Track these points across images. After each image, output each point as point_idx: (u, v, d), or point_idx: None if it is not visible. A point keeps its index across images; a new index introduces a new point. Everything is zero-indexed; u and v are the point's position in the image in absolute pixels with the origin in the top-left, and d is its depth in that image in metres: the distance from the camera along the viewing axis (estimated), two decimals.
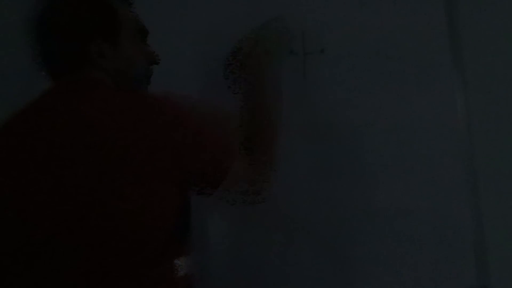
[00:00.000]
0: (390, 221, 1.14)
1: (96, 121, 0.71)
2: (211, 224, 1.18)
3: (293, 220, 1.16)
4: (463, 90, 1.17)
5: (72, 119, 0.72)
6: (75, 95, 0.76)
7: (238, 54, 0.98)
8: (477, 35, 1.18)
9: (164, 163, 0.71)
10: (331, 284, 1.14)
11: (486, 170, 1.14)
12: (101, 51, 0.79)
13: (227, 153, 0.79)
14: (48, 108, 0.76)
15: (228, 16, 1.19)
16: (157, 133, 0.72)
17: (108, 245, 0.68)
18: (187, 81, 1.15)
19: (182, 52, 1.18)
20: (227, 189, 0.78)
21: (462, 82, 1.17)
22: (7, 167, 0.72)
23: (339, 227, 1.15)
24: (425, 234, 1.13)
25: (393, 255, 1.13)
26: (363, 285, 1.14)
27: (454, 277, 1.12)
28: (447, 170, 1.14)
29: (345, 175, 1.16)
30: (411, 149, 1.15)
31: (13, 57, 1.15)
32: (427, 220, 1.13)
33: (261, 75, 0.94)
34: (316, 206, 1.15)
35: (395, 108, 1.16)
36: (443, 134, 1.15)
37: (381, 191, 1.15)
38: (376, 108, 1.16)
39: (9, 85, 1.19)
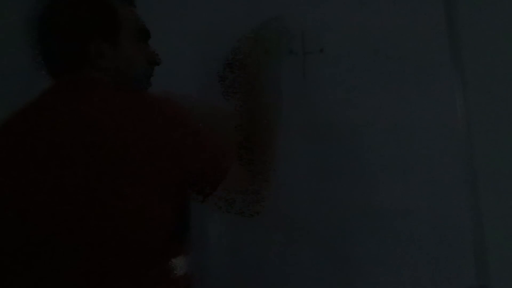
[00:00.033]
0: (390, 221, 1.14)
1: (96, 121, 0.71)
2: (211, 224, 1.18)
3: (293, 220, 1.16)
4: (462, 90, 1.17)
5: (71, 119, 0.72)
6: (75, 95, 0.76)
7: (238, 54, 0.98)
8: (476, 35, 1.18)
9: (164, 163, 0.71)
10: (331, 284, 1.14)
11: (486, 170, 1.14)
12: (101, 51, 0.79)
13: (226, 153, 0.79)
14: (48, 108, 0.76)
15: (228, 16, 1.19)
16: (157, 133, 0.72)
17: (108, 245, 0.68)
18: (187, 81, 1.16)
19: (182, 52, 1.18)
20: (226, 189, 0.78)
21: (461, 82, 1.17)
22: (7, 167, 0.72)
23: (339, 227, 1.15)
24: (425, 234, 1.13)
25: (393, 255, 1.13)
26: (363, 285, 1.14)
27: (454, 277, 1.12)
28: (447, 170, 1.14)
29: (345, 175, 1.16)
30: (411, 149, 1.15)
31: (13, 57, 1.15)
32: (427, 220, 1.13)
33: (261, 75, 0.94)
34: (316, 206, 1.15)
35: (394, 108, 1.16)
36: (443, 134, 1.15)
37: (381, 191, 1.15)
38: (375, 108, 1.17)
39: (9, 85, 1.19)
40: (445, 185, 1.14)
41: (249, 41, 0.99)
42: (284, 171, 1.10)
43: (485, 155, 1.15)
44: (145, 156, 0.69)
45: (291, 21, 1.05)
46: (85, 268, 0.68)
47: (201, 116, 0.80)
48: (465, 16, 1.18)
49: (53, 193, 0.68)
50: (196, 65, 1.19)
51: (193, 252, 0.80)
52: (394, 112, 1.16)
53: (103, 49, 0.79)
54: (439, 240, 1.12)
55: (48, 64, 0.81)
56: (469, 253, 1.12)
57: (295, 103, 1.16)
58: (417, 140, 1.15)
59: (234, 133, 0.86)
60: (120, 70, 0.82)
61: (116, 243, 0.68)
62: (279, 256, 1.15)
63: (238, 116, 0.90)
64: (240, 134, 0.86)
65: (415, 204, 1.14)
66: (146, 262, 0.70)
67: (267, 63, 0.96)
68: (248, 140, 0.85)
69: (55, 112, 0.74)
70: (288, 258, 1.15)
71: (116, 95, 0.77)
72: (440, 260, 1.12)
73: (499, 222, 1.13)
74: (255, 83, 0.94)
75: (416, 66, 1.17)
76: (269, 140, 0.88)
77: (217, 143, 0.78)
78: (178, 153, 0.72)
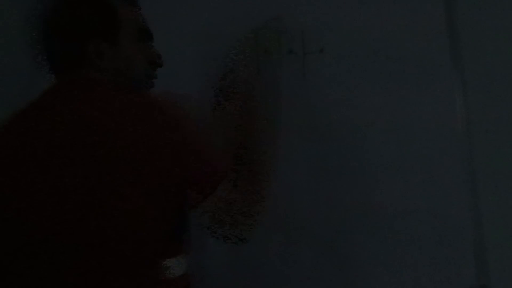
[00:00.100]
0: (390, 221, 1.14)
1: (95, 121, 0.71)
2: None
3: (293, 220, 1.16)
4: (462, 90, 1.17)
5: (71, 119, 0.72)
6: (75, 95, 0.76)
7: (229, 76, 0.98)
8: (476, 35, 1.18)
9: (164, 163, 0.71)
10: (331, 284, 1.14)
11: (486, 170, 1.14)
12: (100, 51, 0.79)
13: (225, 153, 0.79)
14: (48, 108, 0.76)
15: (228, 16, 1.19)
16: (157, 133, 0.72)
17: (107, 245, 0.68)
18: (187, 81, 1.15)
19: (182, 52, 1.18)
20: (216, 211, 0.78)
21: (461, 82, 1.17)
22: (7, 167, 0.72)
23: (339, 227, 1.15)
24: (425, 234, 1.13)
25: (393, 255, 1.13)
26: (363, 285, 1.14)
27: (454, 277, 1.12)
28: (447, 170, 1.14)
29: (345, 175, 1.16)
30: (411, 149, 1.15)
31: (13, 57, 1.15)
32: (427, 220, 1.13)
33: (250, 97, 0.94)
34: (316, 206, 1.15)
35: (394, 108, 1.16)
36: (443, 134, 1.15)
37: (381, 191, 1.15)
38: (375, 108, 1.17)
39: (9, 85, 1.19)
40: (445, 185, 1.14)
41: (249, 41, 0.99)
42: (284, 171, 1.10)
43: (485, 155, 1.15)
44: (144, 156, 0.69)
45: (291, 21, 1.05)
46: (84, 268, 0.68)
47: (200, 116, 0.80)
48: (465, 16, 1.18)
49: (53, 193, 0.68)
50: (196, 65, 1.18)
51: (193, 252, 0.80)
52: (394, 112, 1.16)
53: (103, 49, 0.79)
54: (439, 240, 1.13)
55: (49, 63, 0.81)
56: (469, 253, 1.12)
57: (295, 103, 1.16)
58: (417, 140, 1.15)
59: (234, 133, 0.86)
60: (120, 70, 0.82)
61: (116, 243, 0.68)
62: (279, 256, 1.15)
63: (238, 117, 0.90)
64: (240, 134, 0.86)
65: (415, 204, 1.14)
66: (146, 262, 0.70)
67: (267, 63, 0.96)
68: (248, 140, 0.85)
69: (55, 112, 0.74)
70: (288, 258, 1.14)
71: (115, 95, 0.77)
72: (440, 260, 1.12)
73: (499, 222, 1.13)
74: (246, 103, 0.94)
75: (416, 66, 1.17)
76: (268, 140, 0.88)
77: (216, 143, 0.79)
78: (178, 152, 0.72)
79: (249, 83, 0.95)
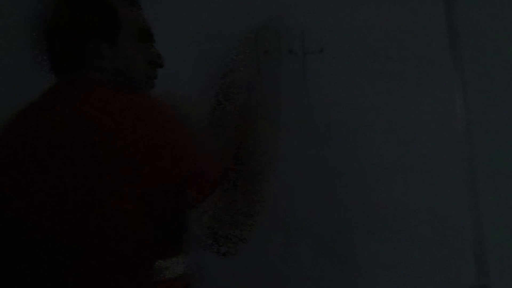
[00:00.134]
0: (390, 221, 1.14)
1: (95, 121, 0.71)
2: None
3: (293, 220, 1.16)
4: (462, 90, 1.17)
5: (71, 119, 0.72)
6: (74, 95, 0.76)
7: (229, 76, 0.98)
8: (476, 35, 1.18)
9: (164, 163, 0.71)
10: (331, 284, 1.14)
11: (486, 170, 1.14)
12: (100, 51, 0.79)
13: (224, 152, 0.79)
14: (48, 108, 0.76)
15: (228, 16, 1.19)
16: (157, 132, 0.72)
17: (107, 245, 0.68)
18: (187, 81, 1.15)
19: (182, 52, 1.18)
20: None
21: (461, 82, 1.17)
22: (7, 167, 0.72)
23: (339, 227, 1.15)
24: (425, 234, 1.13)
25: (393, 255, 1.13)
26: (363, 285, 1.14)
27: (454, 277, 1.12)
28: (447, 170, 1.14)
29: (345, 175, 1.16)
30: (411, 149, 1.15)
31: (13, 57, 1.15)
32: (427, 220, 1.13)
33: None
34: (316, 206, 1.15)
35: (394, 108, 1.16)
36: (443, 134, 1.15)
37: (381, 191, 1.15)
38: (375, 108, 1.17)
39: (9, 85, 1.19)
40: (445, 185, 1.14)
41: (249, 41, 0.99)
42: (284, 171, 1.10)
43: (485, 155, 1.15)
44: (144, 156, 0.69)
45: (291, 21, 1.05)
46: (84, 268, 0.68)
47: (200, 116, 0.80)
48: (465, 16, 1.18)
49: (53, 193, 0.68)
50: (196, 65, 1.18)
51: (193, 252, 0.80)
52: (394, 112, 1.16)
53: (102, 49, 0.79)
54: (439, 240, 1.13)
55: (49, 63, 0.81)
56: (469, 253, 1.12)
57: (295, 103, 1.16)
58: (417, 140, 1.15)
59: (234, 133, 0.86)
60: (120, 70, 0.82)
61: (115, 243, 0.68)
62: (279, 256, 1.15)
63: (238, 117, 0.90)
64: (240, 134, 0.86)
65: (415, 204, 1.14)
66: (146, 262, 0.70)
67: (267, 63, 0.96)
68: (248, 140, 0.85)
69: (55, 112, 0.74)
70: (288, 258, 1.14)
71: (115, 95, 0.77)
72: (440, 260, 1.12)
73: (499, 222, 1.13)
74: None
75: (416, 66, 1.17)
76: (268, 140, 0.89)
77: (216, 142, 0.79)
78: (177, 152, 0.72)
79: (249, 83, 0.95)
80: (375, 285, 1.13)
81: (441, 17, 1.18)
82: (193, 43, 1.19)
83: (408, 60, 1.17)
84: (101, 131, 0.70)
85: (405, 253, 1.13)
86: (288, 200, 1.14)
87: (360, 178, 1.16)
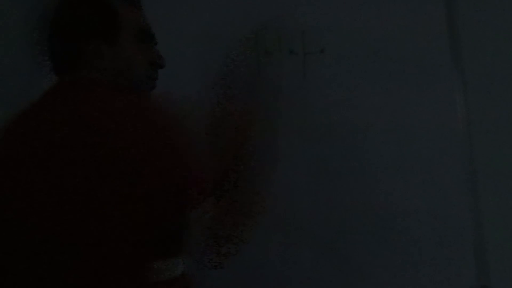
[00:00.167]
0: (390, 221, 1.14)
1: (95, 121, 0.71)
2: None
3: (293, 220, 1.16)
4: (462, 91, 1.17)
5: (71, 119, 0.72)
6: (75, 96, 0.76)
7: (229, 76, 0.98)
8: (476, 35, 1.18)
9: (164, 164, 0.71)
10: (331, 284, 1.14)
11: (486, 170, 1.14)
12: (100, 51, 0.79)
13: (224, 152, 0.79)
14: (48, 108, 0.76)
15: (228, 16, 1.19)
16: (157, 133, 0.72)
17: (107, 246, 0.68)
18: (187, 81, 1.15)
19: (183, 53, 1.18)
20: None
21: (461, 82, 1.17)
22: (7, 167, 0.72)
23: (339, 227, 1.15)
24: (425, 234, 1.13)
25: (393, 256, 1.13)
26: (363, 286, 1.14)
27: (454, 278, 1.12)
28: (447, 171, 1.14)
29: (345, 175, 1.16)
30: (411, 150, 1.15)
31: (13, 57, 1.15)
32: (427, 221, 1.13)
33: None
34: (316, 206, 1.15)
35: (394, 109, 1.16)
36: (443, 134, 1.15)
37: (381, 192, 1.15)
38: (375, 108, 1.17)
39: (9, 85, 1.19)
40: (445, 185, 1.14)
41: (249, 41, 0.99)
42: (284, 171, 1.10)
43: (485, 155, 1.15)
44: (144, 157, 0.69)
45: (291, 21, 1.05)
46: (84, 268, 0.68)
47: (200, 116, 0.80)
48: (465, 16, 1.18)
49: (53, 193, 0.68)
50: (196, 65, 1.18)
51: (192, 253, 0.80)
52: (394, 112, 1.16)
53: (102, 49, 0.79)
54: (439, 240, 1.13)
55: (50, 63, 0.81)
56: (470, 254, 1.12)
57: (295, 103, 1.16)
58: (417, 141, 1.15)
59: (234, 133, 0.86)
60: (120, 71, 0.82)
61: (116, 244, 0.68)
62: (279, 256, 1.15)
63: (238, 117, 0.90)
64: (240, 134, 0.86)
65: (415, 205, 1.14)
66: (146, 262, 0.70)
67: (267, 63, 0.96)
68: (248, 140, 0.85)
69: (55, 112, 0.74)
70: (288, 258, 1.14)
71: (116, 96, 0.77)
72: (441, 261, 1.12)
73: (499, 222, 1.13)
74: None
75: (416, 67, 1.17)
76: (268, 140, 0.88)
77: (215, 142, 0.79)
78: (178, 153, 0.72)
79: (249, 83, 0.95)
80: (375, 285, 1.13)
81: (441, 17, 1.18)
82: (193, 43, 1.19)
83: (408, 60, 1.17)
84: (101, 131, 0.70)
85: (405, 253, 1.13)
86: (288, 200, 1.14)
87: (360, 178, 1.16)
